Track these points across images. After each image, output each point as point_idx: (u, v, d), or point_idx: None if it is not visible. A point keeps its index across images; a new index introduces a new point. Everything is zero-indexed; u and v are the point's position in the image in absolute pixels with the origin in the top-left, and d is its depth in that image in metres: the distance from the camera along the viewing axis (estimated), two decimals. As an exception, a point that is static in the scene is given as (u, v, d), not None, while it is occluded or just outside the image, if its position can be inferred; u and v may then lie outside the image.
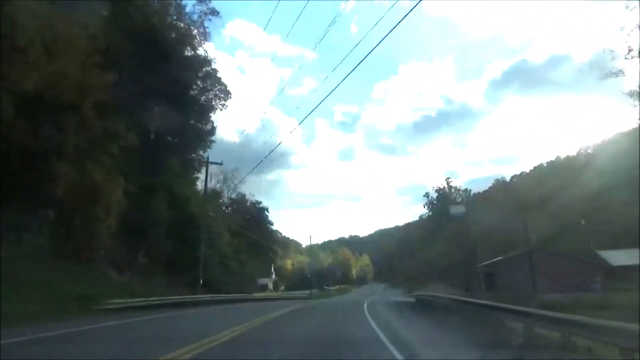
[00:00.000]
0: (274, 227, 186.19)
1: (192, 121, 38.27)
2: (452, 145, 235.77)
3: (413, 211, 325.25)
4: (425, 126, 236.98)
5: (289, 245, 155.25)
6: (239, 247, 50.68)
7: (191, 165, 40.58)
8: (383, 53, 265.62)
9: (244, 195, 59.45)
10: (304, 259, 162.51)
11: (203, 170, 41.61)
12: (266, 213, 63.02)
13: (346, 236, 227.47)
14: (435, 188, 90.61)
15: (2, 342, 8.41)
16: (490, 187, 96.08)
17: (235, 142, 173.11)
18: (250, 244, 58.00)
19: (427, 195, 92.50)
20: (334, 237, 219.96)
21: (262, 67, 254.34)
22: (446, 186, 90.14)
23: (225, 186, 54.91)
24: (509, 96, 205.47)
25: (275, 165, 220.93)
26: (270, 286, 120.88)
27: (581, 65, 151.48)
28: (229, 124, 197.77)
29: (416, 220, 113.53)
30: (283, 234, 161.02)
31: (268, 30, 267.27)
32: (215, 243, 36.80)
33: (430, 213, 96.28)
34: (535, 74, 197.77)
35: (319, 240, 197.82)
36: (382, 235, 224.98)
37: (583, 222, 40.63)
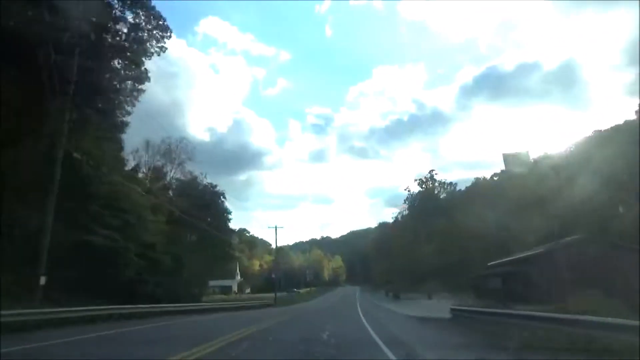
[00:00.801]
0: (244, 227, 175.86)
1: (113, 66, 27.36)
2: (422, 150, 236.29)
3: (384, 214, 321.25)
4: (398, 130, 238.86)
5: (256, 244, 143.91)
6: (179, 237, 39.65)
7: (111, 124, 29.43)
8: (358, 56, 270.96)
9: (195, 177, 48.32)
10: (269, 260, 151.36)
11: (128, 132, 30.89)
12: (222, 199, 51.96)
13: (318, 237, 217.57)
14: (418, 181, 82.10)
15: None
16: (474, 184, 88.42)
17: (205, 140, 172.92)
18: (203, 238, 46.97)
19: (407, 189, 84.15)
20: (305, 239, 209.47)
21: (235, 66, 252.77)
22: (429, 179, 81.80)
23: (168, 162, 43.97)
24: (479, 102, 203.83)
25: (248, 165, 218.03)
26: (235, 288, 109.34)
27: (548, 73, 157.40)
28: (200, 122, 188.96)
29: (394, 218, 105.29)
30: (252, 233, 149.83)
31: (241, 29, 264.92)
32: (130, 226, 25.85)
33: (407, 211, 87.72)
34: (504, 81, 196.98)
35: (289, 241, 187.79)
36: (355, 237, 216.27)
37: (621, 209, 32.28)
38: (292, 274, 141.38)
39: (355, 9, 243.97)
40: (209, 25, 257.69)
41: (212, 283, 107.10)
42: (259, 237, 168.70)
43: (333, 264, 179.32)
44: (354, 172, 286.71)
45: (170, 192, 43.56)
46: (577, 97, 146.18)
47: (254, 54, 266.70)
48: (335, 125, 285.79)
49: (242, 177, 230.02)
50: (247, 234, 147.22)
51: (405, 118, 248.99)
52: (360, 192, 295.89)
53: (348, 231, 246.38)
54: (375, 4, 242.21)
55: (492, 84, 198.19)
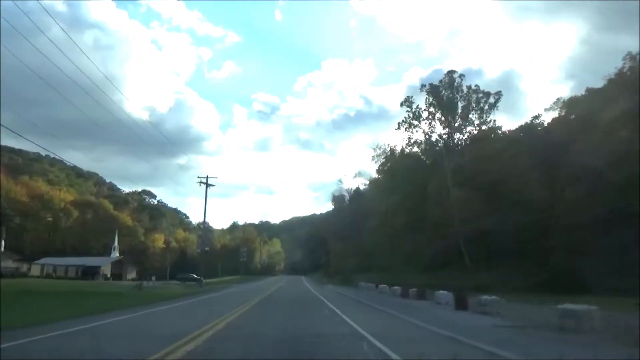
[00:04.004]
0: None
1: None
2: (366, 147, 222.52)
3: (326, 208, 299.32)
4: (344, 124, 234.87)
5: (163, 214, 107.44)
6: None
7: None
8: (307, 45, 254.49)
9: None
10: (189, 237, 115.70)
11: None
12: None
13: (256, 222, 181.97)
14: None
15: None
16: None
17: (143, 119, 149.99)
18: None
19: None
20: (241, 222, 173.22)
21: (180, 44, 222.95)
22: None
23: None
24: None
25: (187, 149, 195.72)
26: (105, 271, 73.66)
27: (490, 81, 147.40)
28: (138, 100, 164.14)
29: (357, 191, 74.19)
30: (161, 199, 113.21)
31: (189, 5, 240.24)
32: None
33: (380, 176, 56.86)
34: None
35: (224, 225, 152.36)
36: (300, 223, 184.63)
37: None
38: (212, 255, 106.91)
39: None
40: None
41: (50, 260, 70.71)
42: (176, 209, 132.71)
43: (270, 248, 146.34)
44: (298, 163, 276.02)
45: None
46: (513, 107, 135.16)
47: (201, 34, 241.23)
48: (282, 114, 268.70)
49: (181, 160, 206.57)
50: (153, 201, 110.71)
51: (352, 114, 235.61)
52: (303, 184, 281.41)
53: (290, 217, 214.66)
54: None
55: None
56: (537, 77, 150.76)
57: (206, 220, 46.79)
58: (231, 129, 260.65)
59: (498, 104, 42.23)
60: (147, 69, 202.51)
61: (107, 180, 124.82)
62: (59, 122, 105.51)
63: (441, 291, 25.25)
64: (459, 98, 42.89)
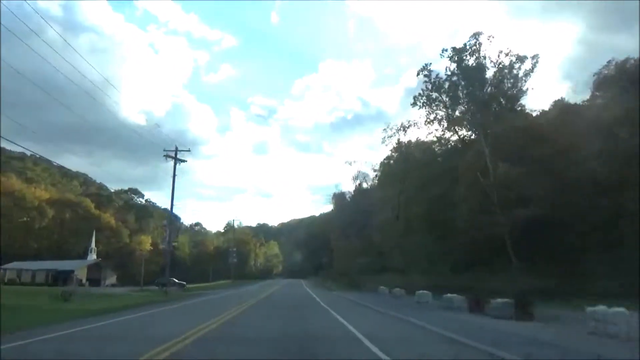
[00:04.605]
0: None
1: None
2: (365, 148, 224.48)
3: (326, 209, 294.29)
4: (342, 127, 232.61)
5: (151, 214, 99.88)
6: None
7: None
8: (304, 47, 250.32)
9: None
10: (179, 239, 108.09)
11: None
12: None
13: (253, 224, 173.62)
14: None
15: None
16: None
17: (140, 124, 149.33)
18: None
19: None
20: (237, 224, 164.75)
21: (176, 47, 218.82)
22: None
23: None
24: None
25: (184, 152, 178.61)
26: (80, 276, 66.08)
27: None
28: (135, 104, 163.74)
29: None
30: (148, 198, 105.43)
31: (185, 8, 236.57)
32: None
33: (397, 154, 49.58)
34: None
35: (219, 228, 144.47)
36: (299, 225, 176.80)
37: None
38: (202, 258, 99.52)
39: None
40: (150, 0, 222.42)
41: (19, 265, 63.40)
42: (167, 209, 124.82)
43: (267, 251, 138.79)
44: (296, 166, 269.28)
45: None
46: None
47: (197, 37, 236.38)
48: (279, 117, 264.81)
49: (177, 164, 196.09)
50: (141, 200, 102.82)
51: (350, 116, 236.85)
52: (302, 187, 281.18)
53: (290, 219, 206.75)
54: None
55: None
56: (537, 77, 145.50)
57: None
58: (229, 132, 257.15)
59: (535, 70, 35.14)
60: (144, 72, 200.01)
61: (98, 181, 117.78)
62: (55, 126, 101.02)
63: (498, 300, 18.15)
64: (487, 64, 35.82)
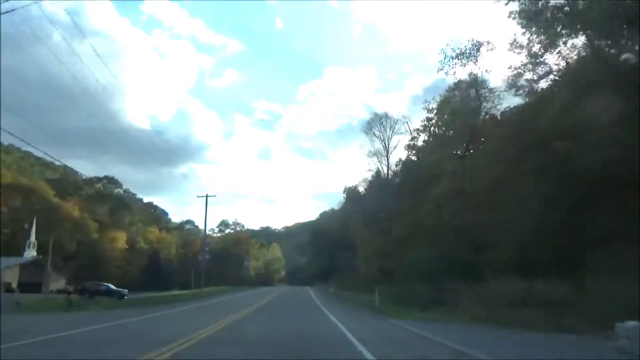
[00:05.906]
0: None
1: None
2: (370, 156, 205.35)
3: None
4: (346, 133, 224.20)
5: (131, 209, 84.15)
6: None
7: None
8: (309, 53, 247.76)
9: None
10: (165, 238, 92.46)
11: None
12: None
13: (256, 228, 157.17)
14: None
15: None
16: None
17: (145, 128, 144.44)
18: None
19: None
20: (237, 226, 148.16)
21: (182, 52, 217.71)
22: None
23: None
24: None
25: (189, 158, 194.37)
26: (9, 279, 48.62)
27: (494, 87, 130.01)
28: (140, 109, 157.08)
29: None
30: (126, 188, 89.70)
31: (191, 13, 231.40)
32: None
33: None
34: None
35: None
36: (303, 228, 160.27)
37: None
38: (187, 262, 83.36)
39: (307, 3, 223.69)
40: (155, 5, 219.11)
41: None
42: (151, 203, 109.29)
43: (269, 254, 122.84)
44: (300, 171, 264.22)
45: None
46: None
47: (202, 41, 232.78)
48: (284, 123, 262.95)
49: (183, 169, 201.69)
50: (119, 191, 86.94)
51: (355, 122, 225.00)
52: (306, 193, 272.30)
53: (293, 222, 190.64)
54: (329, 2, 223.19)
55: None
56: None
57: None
58: (233, 137, 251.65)
59: None
60: (149, 77, 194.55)
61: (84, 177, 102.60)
62: (61, 130, 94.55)
63: None
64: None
